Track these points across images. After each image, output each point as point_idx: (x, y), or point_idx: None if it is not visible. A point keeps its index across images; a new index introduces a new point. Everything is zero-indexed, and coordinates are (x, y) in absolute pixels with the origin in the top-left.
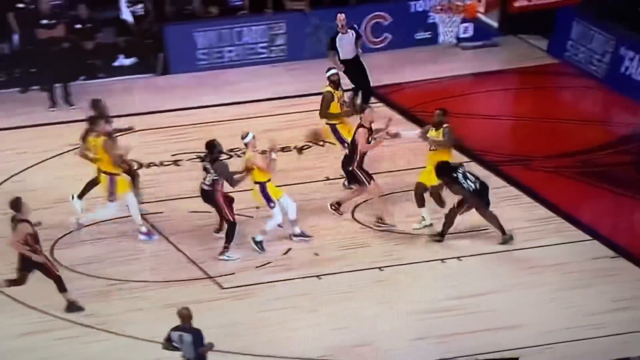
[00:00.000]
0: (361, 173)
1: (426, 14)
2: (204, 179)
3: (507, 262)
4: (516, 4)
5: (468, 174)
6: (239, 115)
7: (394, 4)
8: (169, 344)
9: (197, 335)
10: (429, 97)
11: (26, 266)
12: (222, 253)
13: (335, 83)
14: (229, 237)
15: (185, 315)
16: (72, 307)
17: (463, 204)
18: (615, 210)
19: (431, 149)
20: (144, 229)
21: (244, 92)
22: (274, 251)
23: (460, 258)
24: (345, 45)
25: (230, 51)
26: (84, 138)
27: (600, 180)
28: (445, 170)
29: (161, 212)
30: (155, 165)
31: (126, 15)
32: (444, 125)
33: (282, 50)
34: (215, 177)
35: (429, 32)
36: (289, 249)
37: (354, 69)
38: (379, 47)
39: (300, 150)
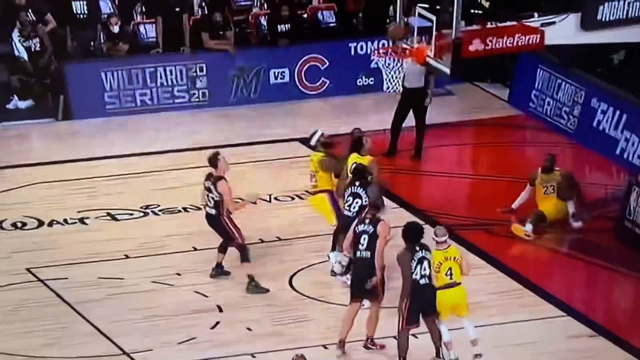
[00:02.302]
0: None
1: (368, 57)
2: (349, 206)
3: (467, 341)
4: (471, 48)
5: (426, 262)
6: (154, 168)
7: (331, 45)
8: None
9: None
10: (375, 150)
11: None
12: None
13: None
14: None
15: None
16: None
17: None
18: (591, 283)
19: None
20: None
21: (159, 141)
22: (200, 324)
23: (417, 335)
24: (410, 70)
25: (143, 94)
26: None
27: (574, 248)
28: (415, 236)
29: (65, 278)
30: (59, 223)
31: (20, 50)
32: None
33: (203, 94)
34: (365, 203)
35: (372, 79)
36: (218, 322)
37: (410, 103)
38: (316, 94)
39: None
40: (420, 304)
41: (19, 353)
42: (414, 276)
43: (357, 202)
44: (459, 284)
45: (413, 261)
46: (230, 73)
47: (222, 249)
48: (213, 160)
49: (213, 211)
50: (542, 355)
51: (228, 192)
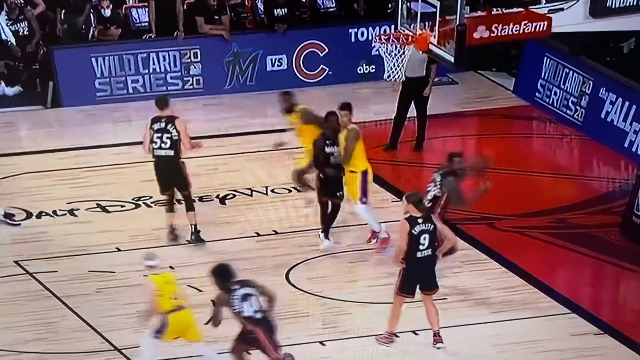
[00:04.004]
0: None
1: (369, 44)
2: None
3: (471, 338)
4: (475, 35)
5: (253, 298)
6: (146, 158)
7: (331, 31)
8: None
9: None
10: (374, 142)
11: None
12: None
13: None
14: None
15: None
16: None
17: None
18: (597, 279)
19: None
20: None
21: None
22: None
23: (417, 332)
24: (411, 58)
25: (134, 81)
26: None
27: (580, 243)
28: (221, 276)
29: (54, 271)
30: (48, 214)
31: (7, 34)
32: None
33: (197, 81)
34: (439, 194)
35: (373, 66)
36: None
37: (412, 93)
38: (315, 82)
39: (223, 200)
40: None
41: (4, 348)
42: (245, 314)
43: (433, 191)
44: (184, 307)
45: (235, 299)
46: (225, 59)
47: (171, 208)
48: (165, 101)
49: (172, 152)
50: (545, 354)
51: (185, 129)
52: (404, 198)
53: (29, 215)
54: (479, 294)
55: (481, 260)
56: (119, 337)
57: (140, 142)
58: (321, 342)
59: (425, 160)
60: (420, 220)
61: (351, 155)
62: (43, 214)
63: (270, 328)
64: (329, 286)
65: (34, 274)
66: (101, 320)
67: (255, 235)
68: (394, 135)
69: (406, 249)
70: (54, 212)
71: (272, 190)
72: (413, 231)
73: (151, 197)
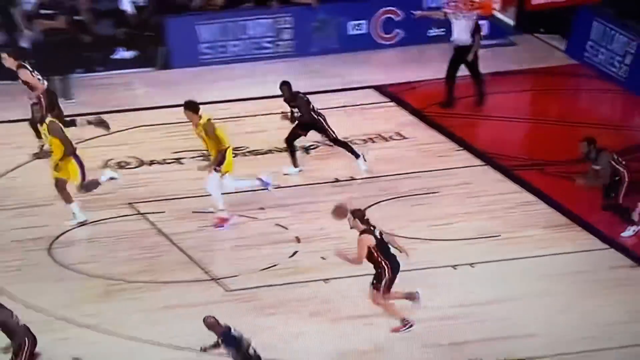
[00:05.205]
0: None
1: (439, 9)
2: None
3: (519, 270)
4: (534, 2)
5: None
6: (244, 113)
7: None
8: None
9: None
10: (437, 98)
11: None
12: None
13: None
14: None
15: (211, 323)
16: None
17: None
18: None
19: None
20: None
21: (249, 88)
22: (280, 253)
23: (473, 265)
24: (457, 27)
25: (234, 45)
26: None
27: None
28: None
29: (163, 212)
30: (157, 162)
31: (126, 5)
32: None
33: (289, 45)
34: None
35: (442, 29)
36: (296, 252)
37: (461, 57)
38: (390, 44)
39: (307, 149)
40: None
41: (119, 278)
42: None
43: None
44: None
45: None
46: (313, 25)
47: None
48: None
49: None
50: (585, 284)
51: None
52: (349, 215)
53: (141, 162)
54: (528, 231)
55: (531, 202)
56: (217, 269)
57: (238, 100)
58: None
59: (484, 113)
60: (372, 228)
61: (218, 141)
62: (154, 162)
63: (34, 340)
64: (396, 225)
65: (145, 214)
66: (201, 255)
67: (335, 180)
68: (449, 93)
69: (379, 254)
70: (164, 160)
71: (351, 142)
72: (376, 236)
73: (247, 148)
